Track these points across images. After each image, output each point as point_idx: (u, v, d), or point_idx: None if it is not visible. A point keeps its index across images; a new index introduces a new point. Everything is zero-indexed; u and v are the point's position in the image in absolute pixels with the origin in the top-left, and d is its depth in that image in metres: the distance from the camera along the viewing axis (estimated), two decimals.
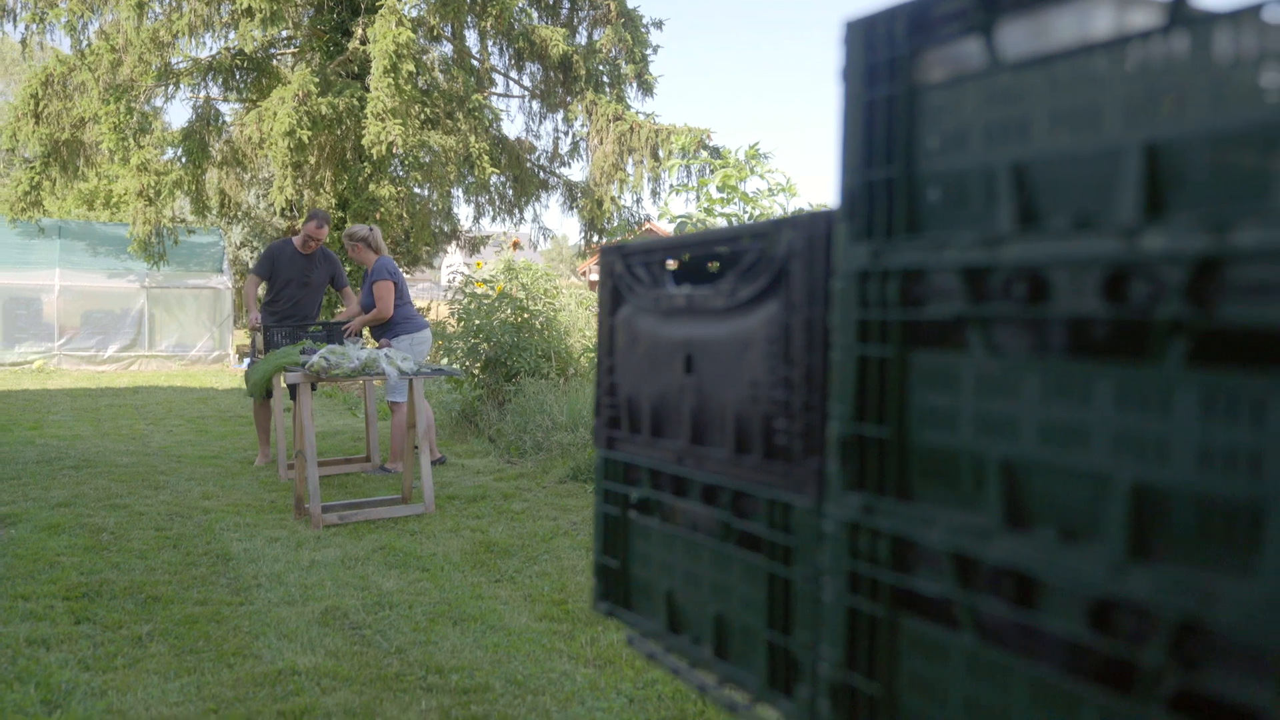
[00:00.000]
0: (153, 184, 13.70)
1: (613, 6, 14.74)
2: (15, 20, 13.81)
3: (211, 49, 14.44)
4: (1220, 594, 0.60)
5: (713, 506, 1.10)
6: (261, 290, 7.27)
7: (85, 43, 13.78)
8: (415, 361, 6.20)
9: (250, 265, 23.31)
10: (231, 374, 14.88)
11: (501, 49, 15.01)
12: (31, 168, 14.79)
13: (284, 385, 6.81)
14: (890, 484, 0.85)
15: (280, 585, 4.19)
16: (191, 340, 17.02)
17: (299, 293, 6.98)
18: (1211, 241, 0.61)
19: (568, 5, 15.25)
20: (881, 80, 0.86)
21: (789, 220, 0.98)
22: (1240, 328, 0.61)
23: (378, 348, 6.37)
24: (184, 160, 14.06)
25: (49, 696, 3.07)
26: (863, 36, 0.87)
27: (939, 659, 0.81)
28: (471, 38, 14.93)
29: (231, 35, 13.87)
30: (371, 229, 7.09)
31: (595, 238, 14.90)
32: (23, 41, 14.08)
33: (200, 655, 3.39)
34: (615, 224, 14.59)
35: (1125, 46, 0.68)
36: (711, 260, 1.19)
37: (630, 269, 1.26)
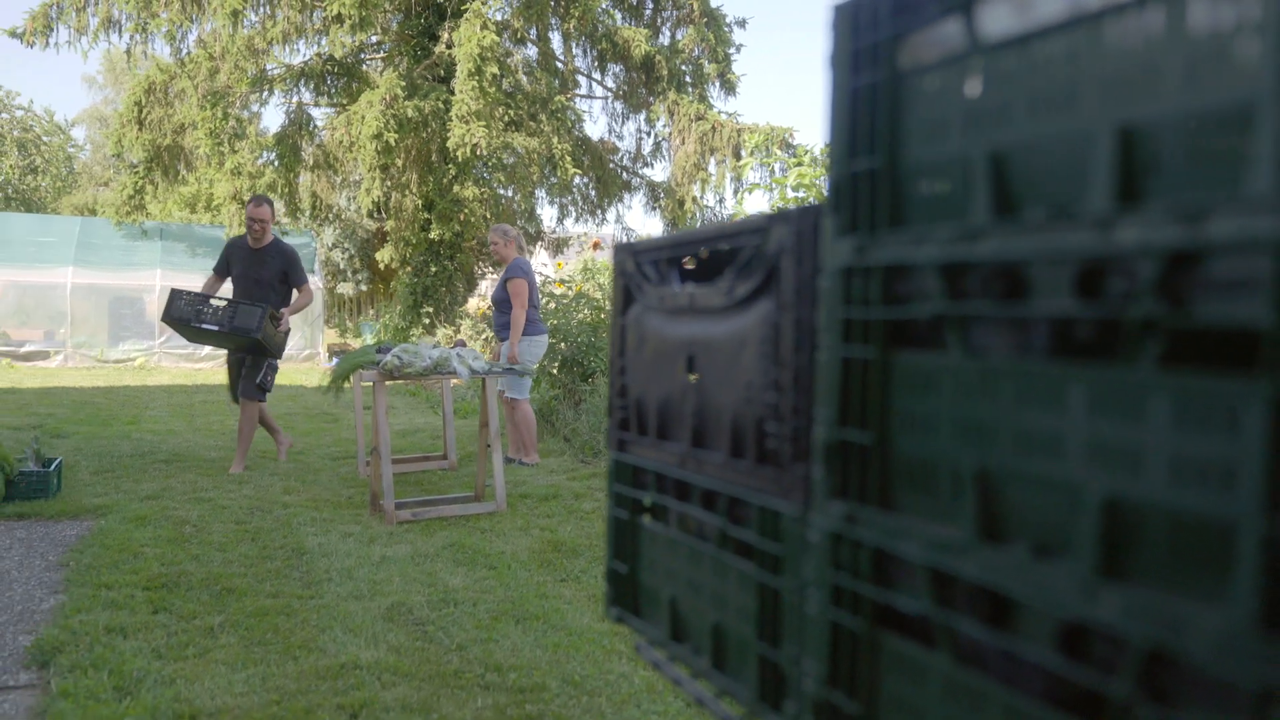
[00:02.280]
0: (247, 187, 14.11)
1: (695, 6, 14.69)
2: (120, 31, 14.35)
3: (304, 55, 14.87)
4: (1189, 622, 0.55)
5: (712, 512, 1.06)
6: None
7: (185, 51, 14.27)
8: (526, 365, 6.37)
9: (341, 265, 23.85)
10: (321, 371, 15.24)
11: (585, 50, 15.08)
12: (135, 172, 15.37)
13: (362, 384, 6.94)
14: (872, 493, 0.81)
15: (350, 580, 4.26)
16: None
17: (247, 287, 6.56)
18: (1184, 233, 0.55)
19: (650, 5, 15.25)
20: (866, 66, 0.81)
21: (781, 215, 0.94)
22: (1214, 327, 0.55)
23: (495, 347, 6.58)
24: (277, 164, 14.45)
25: (121, 684, 3.16)
26: (849, 21, 0.83)
27: (918, 680, 0.76)
28: (555, 40, 15.04)
29: (323, 41, 14.22)
30: (520, 231, 7.13)
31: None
32: (127, 51, 14.64)
33: (267, 647, 3.46)
34: (697, 223, 14.54)
35: (1102, 22, 0.62)
36: (721, 257, 1.15)
37: (640, 268, 1.23)
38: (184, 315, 6.18)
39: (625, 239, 17.25)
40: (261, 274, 6.56)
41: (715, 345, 1.05)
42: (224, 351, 7.12)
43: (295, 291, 6.79)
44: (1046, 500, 0.66)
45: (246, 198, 14.37)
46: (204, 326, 6.21)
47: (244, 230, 14.74)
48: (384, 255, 16.68)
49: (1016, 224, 0.67)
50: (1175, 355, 0.57)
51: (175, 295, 6.26)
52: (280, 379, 15.09)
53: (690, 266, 1.27)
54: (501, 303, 6.81)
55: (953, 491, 0.74)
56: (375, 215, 16.26)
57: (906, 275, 0.78)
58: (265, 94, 14.60)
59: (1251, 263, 0.53)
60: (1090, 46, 0.63)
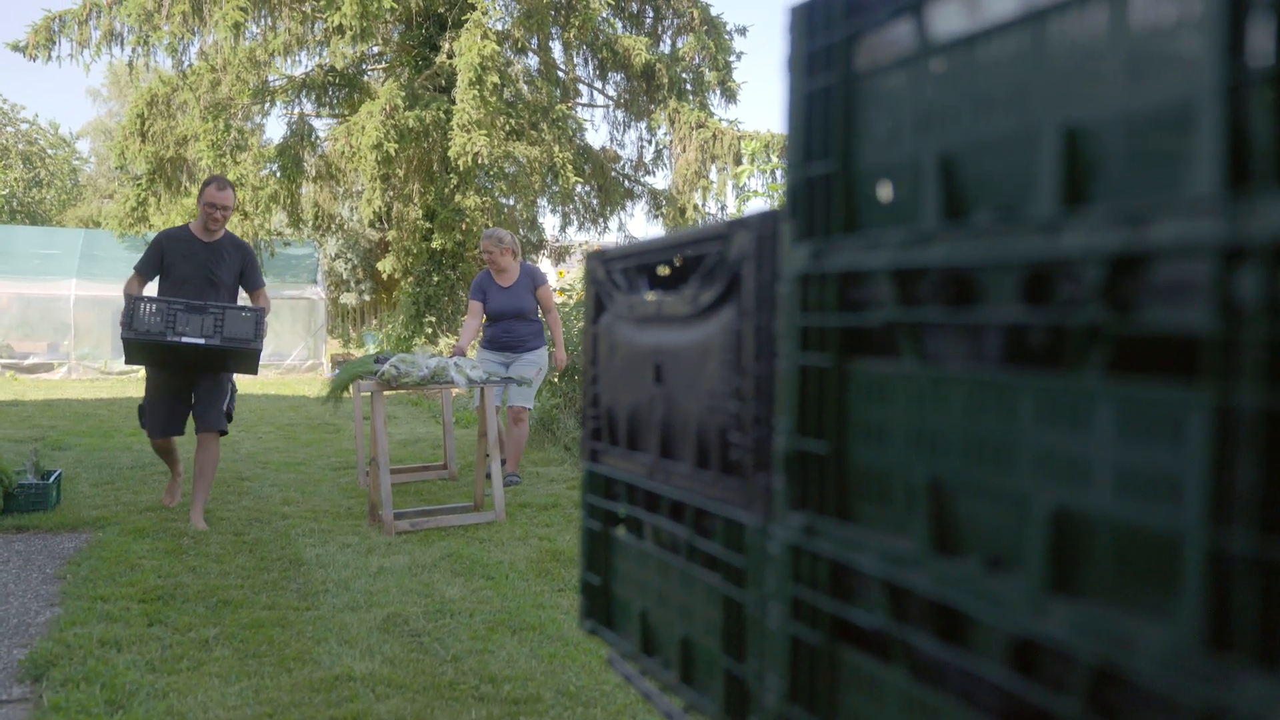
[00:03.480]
0: (249, 199, 14.14)
1: (696, 14, 14.71)
2: (123, 44, 14.41)
3: (305, 66, 14.87)
4: (1136, 638, 0.53)
5: (679, 523, 1.04)
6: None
7: (187, 63, 14.31)
8: (541, 371, 6.19)
9: (344, 275, 23.80)
10: (323, 382, 15.25)
11: (585, 59, 15.11)
12: (138, 184, 15.41)
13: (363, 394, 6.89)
14: (830, 504, 0.79)
15: (346, 591, 4.24)
16: (287, 349, 17.50)
17: (199, 289, 5.11)
18: (1128, 237, 0.54)
19: (651, 14, 15.27)
20: (820, 69, 0.80)
21: (742, 221, 0.92)
22: (1158, 333, 0.54)
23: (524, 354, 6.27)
24: (279, 175, 14.48)
25: (113, 697, 3.14)
26: (804, 22, 0.82)
27: (876, 696, 0.74)
28: (556, 49, 15.06)
29: (324, 52, 14.26)
30: (514, 235, 6.43)
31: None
32: (130, 64, 14.68)
33: (262, 659, 3.44)
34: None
35: (1047, 21, 0.61)
36: (689, 264, 1.13)
37: (610, 276, 1.21)
38: (152, 329, 4.81)
39: None
40: (218, 273, 5.18)
41: (681, 354, 1.04)
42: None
43: (250, 297, 5.43)
44: (998, 512, 0.64)
45: (249, 208, 14.42)
46: (183, 340, 4.86)
47: (247, 240, 14.98)
48: (386, 265, 16.70)
49: (966, 228, 0.66)
50: (1121, 363, 0.56)
51: (135, 304, 4.81)
52: (283, 389, 15.07)
53: (665, 274, 1.25)
54: (531, 310, 6.39)
55: (907, 502, 0.72)
56: (377, 225, 16.29)
57: (861, 281, 0.76)
58: (267, 105, 14.64)
59: (1193, 267, 0.51)
60: (1035, 46, 0.62)
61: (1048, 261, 0.60)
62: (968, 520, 0.67)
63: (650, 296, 1.20)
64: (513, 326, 6.46)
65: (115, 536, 5.11)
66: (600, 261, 1.22)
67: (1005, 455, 0.63)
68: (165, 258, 5.20)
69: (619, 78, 15.20)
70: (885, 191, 0.75)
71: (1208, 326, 0.50)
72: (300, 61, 14.67)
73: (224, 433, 5.42)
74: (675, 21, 15.19)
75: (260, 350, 5.12)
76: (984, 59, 0.65)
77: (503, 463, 6.28)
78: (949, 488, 0.68)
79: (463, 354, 6.75)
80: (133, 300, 4.86)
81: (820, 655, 0.79)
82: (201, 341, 4.92)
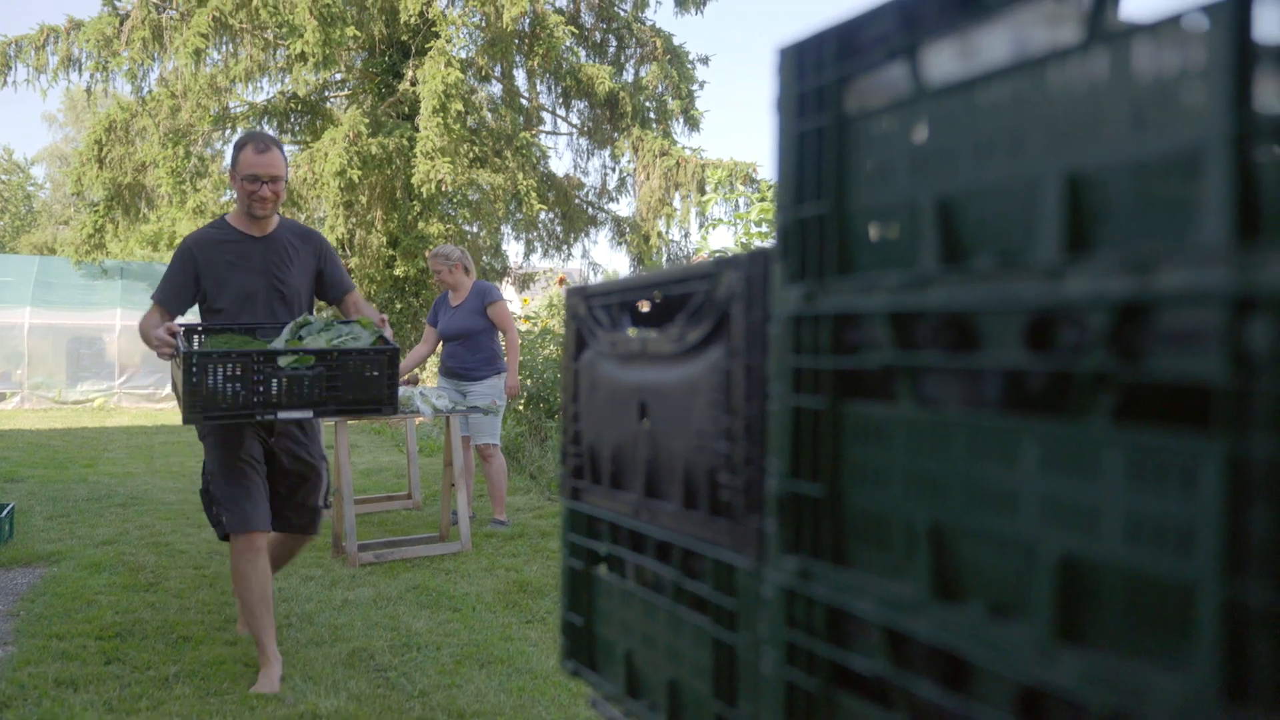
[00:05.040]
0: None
1: (659, 43, 14.82)
2: (81, 69, 14.25)
3: (267, 93, 14.80)
4: (1149, 688, 0.52)
5: (666, 564, 1.03)
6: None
7: (146, 89, 14.17)
8: (497, 401, 5.92)
9: None
10: None
11: (549, 87, 15.15)
12: (95, 211, 15.20)
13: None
14: (826, 547, 0.78)
15: (310, 625, 4.17)
16: None
17: (267, 303, 3.47)
18: (1134, 284, 0.54)
19: (614, 43, 15.37)
20: (811, 110, 0.80)
21: (731, 260, 0.92)
22: (1167, 381, 0.53)
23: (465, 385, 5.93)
24: None
25: None
26: (794, 64, 0.81)
27: None
28: (520, 77, 15.11)
29: (286, 79, 14.18)
30: (464, 250, 5.97)
31: (642, 269, 14.90)
32: (88, 90, 14.52)
33: (224, 698, 3.37)
34: (662, 258, 14.60)
35: (1047, 67, 0.61)
36: (671, 302, 1.13)
37: (592, 312, 1.20)
38: (231, 404, 3.11)
39: (591, 274, 17.28)
40: (286, 279, 3.47)
41: (667, 392, 1.03)
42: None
43: (340, 308, 3.72)
44: (1002, 558, 0.64)
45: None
46: (281, 418, 3.18)
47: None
48: None
49: (965, 272, 0.65)
50: (1129, 410, 0.56)
51: (194, 362, 3.04)
52: None
53: (646, 309, 1.25)
54: (478, 333, 5.95)
55: (907, 547, 0.71)
56: (340, 252, 16.18)
57: (856, 323, 0.76)
58: (228, 132, 14.52)
59: (1203, 315, 0.51)
60: (1035, 92, 0.62)
61: (1051, 307, 0.59)
62: (970, 566, 0.66)
63: (633, 333, 1.19)
64: (456, 352, 6.02)
65: (71, 571, 5.00)
66: (581, 298, 1.21)
67: (1009, 501, 0.63)
68: (203, 274, 3.38)
69: (583, 106, 15.27)
70: (878, 232, 0.75)
71: (1219, 376, 0.50)
72: (262, 88, 14.61)
73: (315, 532, 3.73)
74: (638, 51, 15.30)
75: (389, 410, 3.34)
76: (982, 103, 0.65)
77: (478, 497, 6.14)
78: (951, 533, 0.68)
79: (413, 382, 6.57)
80: (190, 356, 2.98)
81: (817, 702, 0.78)
82: (309, 415, 3.23)
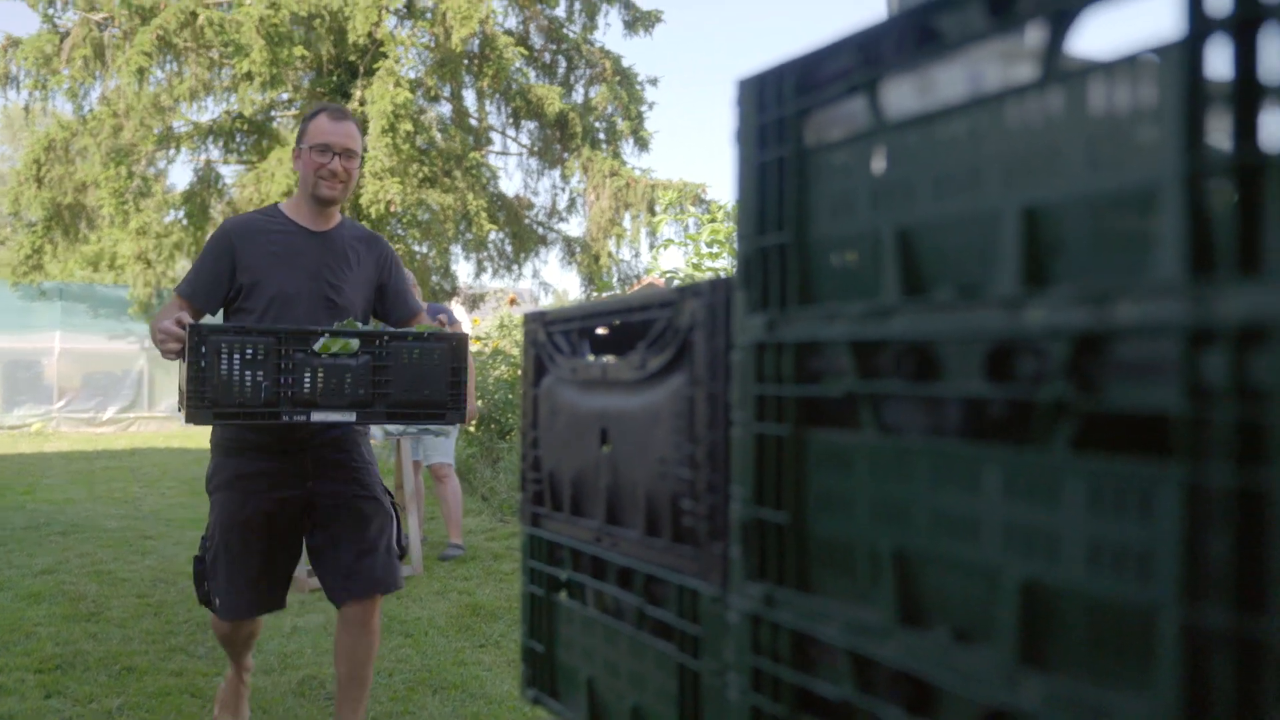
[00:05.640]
0: (153, 247, 13.77)
1: (608, 65, 14.90)
2: (19, 87, 13.97)
3: (213, 112, 14.60)
4: (1112, 712, 0.54)
5: (628, 590, 1.03)
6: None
7: (88, 108, 13.93)
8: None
9: None
10: None
11: (499, 108, 15.15)
12: (34, 231, 14.88)
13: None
14: (791, 574, 0.79)
15: (259, 653, 4.09)
16: None
17: (312, 309, 2.75)
18: (1092, 316, 0.55)
19: (564, 64, 15.42)
20: (772, 142, 0.81)
21: (692, 288, 0.92)
22: (1126, 411, 0.55)
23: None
24: (185, 222, 14.15)
25: None
26: (754, 96, 0.83)
27: None
28: (469, 97, 15.09)
29: (232, 99, 14.02)
30: (409, 272, 5.77)
31: (594, 293, 14.93)
32: (26, 108, 14.23)
33: None
34: (613, 278, 14.63)
35: (1004, 103, 0.63)
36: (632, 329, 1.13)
37: (551, 338, 1.21)
38: (250, 400, 2.39)
39: (542, 294, 17.27)
40: (342, 286, 2.80)
41: (628, 419, 1.03)
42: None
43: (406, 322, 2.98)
44: (966, 583, 0.65)
45: (153, 255, 14.02)
46: (315, 420, 2.46)
47: (149, 289, 14.49)
48: None
49: (926, 303, 0.67)
50: (1088, 438, 0.57)
51: (211, 342, 2.36)
52: (188, 442, 14.57)
53: (604, 333, 1.25)
54: None
55: (871, 573, 0.72)
56: None
57: (819, 352, 0.77)
58: (172, 151, 14.32)
59: (1159, 347, 0.52)
60: (992, 127, 0.63)
61: (1010, 338, 0.61)
62: (935, 591, 0.67)
63: (591, 358, 1.20)
64: None
65: (8, 602, 4.86)
66: (541, 324, 1.21)
67: (972, 527, 0.64)
68: (240, 265, 2.73)
69: (532, 126, 15.28)
70: (840, 262, 0.76)
71: (1175, 406, 0.51)
72: (207, 107, 14.44)
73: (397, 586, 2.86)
74: (588, 72, 15.36)
75: (462, 418, 2.65)
76: (941, 137, 0.67)
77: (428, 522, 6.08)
78: (915, 559, 0.69)
79: None
80: (198, 332, 2.31)
81: None
82: (352, 418, 2.47)
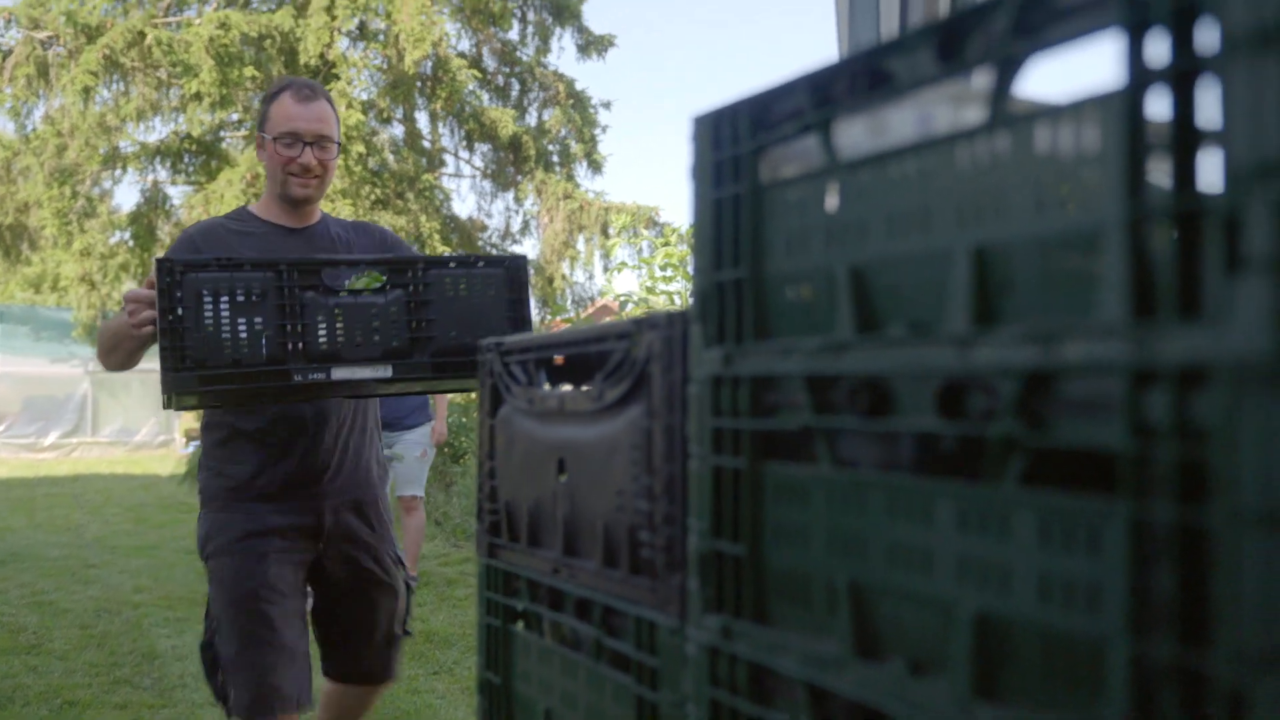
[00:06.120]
0: (97, 268, 13.52)
1: (561, 88, 14.94)
2: None
3: (160, 133, 14.38)
4: None
5: (586, 622, 1.03)
6: None
7: (30, 127, 13.67)
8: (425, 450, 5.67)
9: None
10: (178, 459, 14.55)
11: (452, 130, 15.11)
12: None
13: None
14: (748, 606, 0.80)
15: (206, 685, 4.02)
16: (136, 425, 16.68)
17: None
18: (1040, 355, 0.57)
19: (518, 87, 15.43)
20: (727, 179, 0.82)
21: (649, 320, 0.93)
22: (1073, 447, 0.56)
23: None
24: (131, 244, 13.92)
25: None
26: (709, 133, 0.84)
27: None
28: (422, 119, 15.03)
29: (180, 119, 13.85)
30: None
31: (548, 315, 14.91)
32: None
33: None
34: (567, 300, 14.62)
35: (954, 145, 0.64)
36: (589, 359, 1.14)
37: (508, 368, 1.21)
38: (245, 355, 1.75)
39: None
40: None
41: (586, 450, 1.04)
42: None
43: None
44: (920, 615, 0.66)
45: (97, 277, 13.77)
46: (339, 379, 1.82)
47: (94, 311, 14.31)
48: None
49: (879, 340, 0.68)
50: (1038, 474, 0.58)
51: (189, 282, 1.71)
52: (132, 468, 14.28)
53: (561, 363, 1.25)
54: None
55: (828, 605, 0.73)
56: None
57: (774, 386, 0.78)
58: (118, 172, 14.10)
59: (1104, 386, 0.54)
60: (943, 168, 0.65)
61: (961, 375, 0.62)
62: (890, 624, 0.68)
63: (547, 387, 1.20)
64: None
65: None
66: (498, 353, 1.21)
67: (926, 560, 0.65)
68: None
69: (486, 148, 15.26)
70: (795, 297, 0.77)
71: (1121, 444, 0.53)
72: (154, 127, 14.20)
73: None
74: (541, 95, 15.39)
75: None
76: (893, 177, 0.68)
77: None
78: (870, 591, 0.70)
79: None
80: (166, 268, 1.75)
81: None
82: (388, 373, 1.86)
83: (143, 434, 16.46)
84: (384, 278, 1.86)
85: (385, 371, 1.82)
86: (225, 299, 1.73)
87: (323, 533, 2.38)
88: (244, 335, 1.74)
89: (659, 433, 0.91)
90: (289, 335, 1.77)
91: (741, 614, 0.80)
